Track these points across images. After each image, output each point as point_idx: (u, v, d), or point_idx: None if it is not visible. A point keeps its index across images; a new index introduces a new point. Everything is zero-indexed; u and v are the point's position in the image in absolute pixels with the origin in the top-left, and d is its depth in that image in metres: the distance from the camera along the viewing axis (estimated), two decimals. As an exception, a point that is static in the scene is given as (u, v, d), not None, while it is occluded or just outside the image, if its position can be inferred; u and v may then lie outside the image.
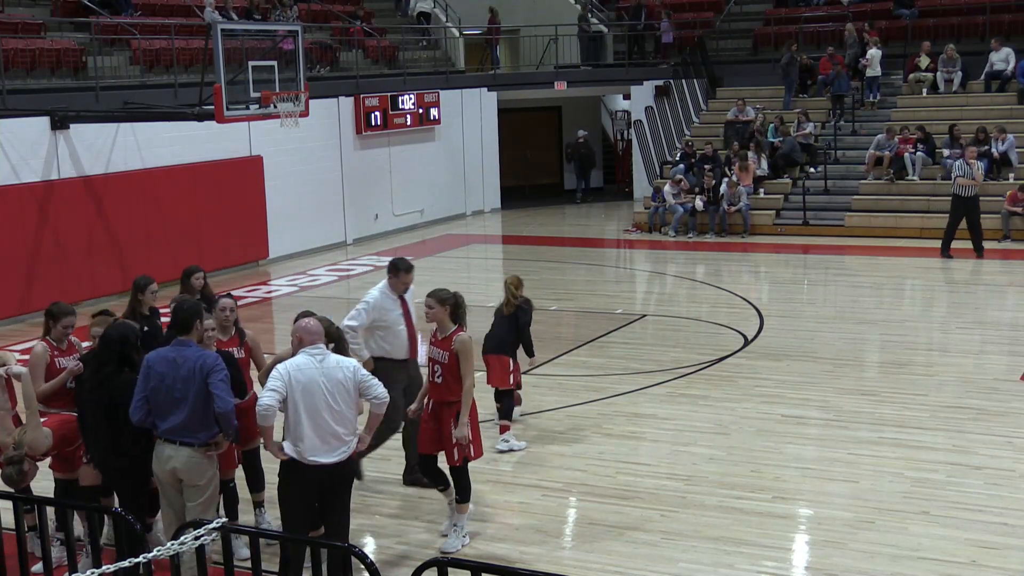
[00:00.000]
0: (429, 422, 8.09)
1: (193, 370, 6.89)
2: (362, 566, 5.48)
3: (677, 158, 24.25)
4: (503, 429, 10.20)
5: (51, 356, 7.84)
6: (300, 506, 6.89)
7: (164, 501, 7.14)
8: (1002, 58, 23.52)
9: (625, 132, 29.84)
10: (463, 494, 8.10)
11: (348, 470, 7.00)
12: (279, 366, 6.94)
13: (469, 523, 8.25)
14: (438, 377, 7.96)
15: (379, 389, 6.98)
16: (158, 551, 5.60)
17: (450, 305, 7.97)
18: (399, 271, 9.07)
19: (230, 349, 7.96)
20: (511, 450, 10.03)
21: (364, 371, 7.04)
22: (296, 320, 8.25)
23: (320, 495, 6.90)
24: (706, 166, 22.96)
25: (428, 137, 24.73)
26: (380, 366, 8.77)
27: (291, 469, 6.86)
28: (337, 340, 7.72)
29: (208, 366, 6.92)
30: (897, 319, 15.12)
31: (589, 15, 28.80)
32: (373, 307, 8.93)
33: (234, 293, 17.08)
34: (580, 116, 30.63)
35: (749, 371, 12.43)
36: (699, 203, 22.02)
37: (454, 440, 7.90)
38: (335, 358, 6.96)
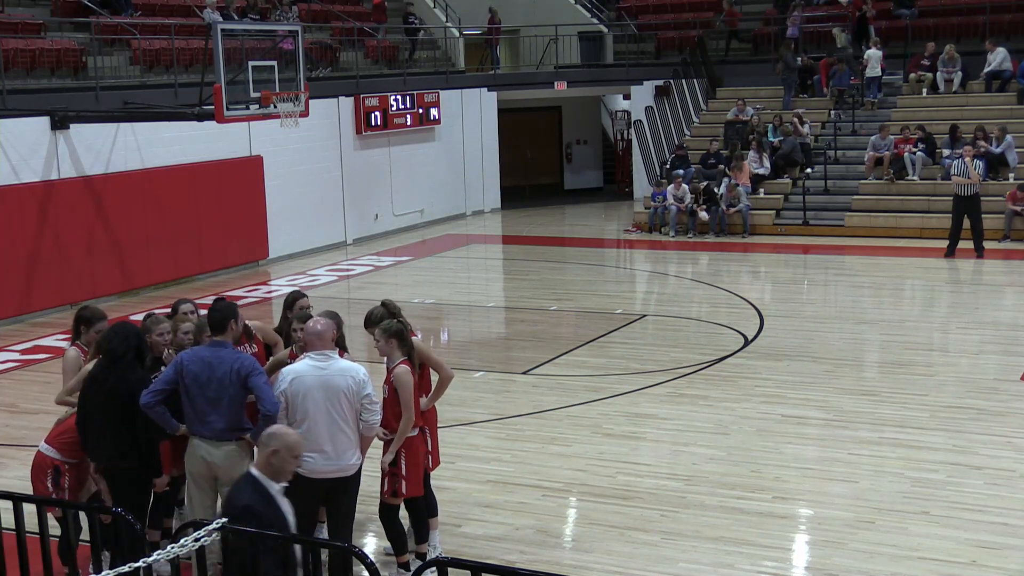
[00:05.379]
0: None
1: (229, 372, 6.82)
2: (362, 566, 5.48)
3: (670, 161, 24.17)
4: None
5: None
6: (297, 513, 6.88)
7: (192, 496, 7.07)
8: (999, 60, 23.49)
9: (625, 132, 29.85)
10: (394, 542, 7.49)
11: (350, 481, 6.84)
12: (282, 370, 6.91)
13: (468, 523, 8.23)
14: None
15: (374, 415, 6.77)
16: (158, 555, 5.58)
17: (396, 339, 7.30)
18: None
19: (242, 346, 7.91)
20: None
21: (371, 388, 6.77)
22: (286, 300, 8.23)
23: (322, 503, 6.87)
24: (694, 167, 23.01)
25: (428, 137, 24.72)
26: None
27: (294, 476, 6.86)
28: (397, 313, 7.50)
29: (246, 368, 6.84)
30: (897, 319, 15.11)
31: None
32: None
33: (234, 293, 17.36)
34: (580, 116, 30.65)
35: (749, 371, 12.43)
36: (703, 215, 21.98)
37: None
38: (342, 365, 6.78)
